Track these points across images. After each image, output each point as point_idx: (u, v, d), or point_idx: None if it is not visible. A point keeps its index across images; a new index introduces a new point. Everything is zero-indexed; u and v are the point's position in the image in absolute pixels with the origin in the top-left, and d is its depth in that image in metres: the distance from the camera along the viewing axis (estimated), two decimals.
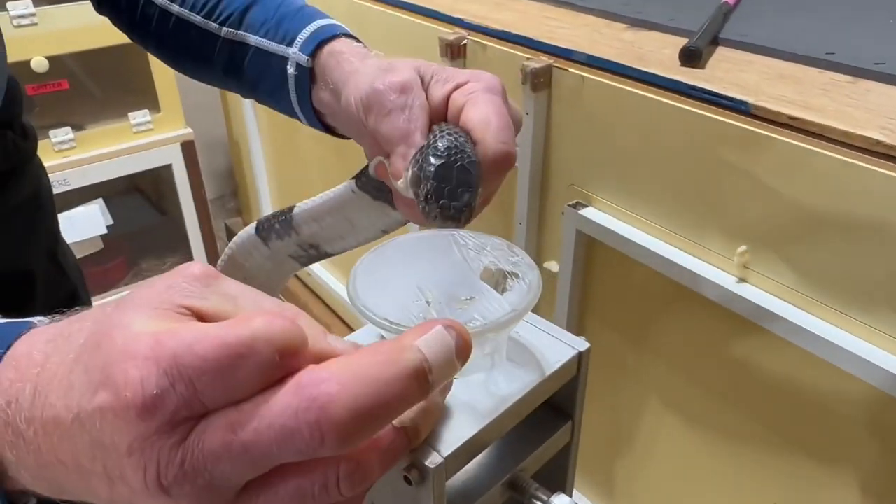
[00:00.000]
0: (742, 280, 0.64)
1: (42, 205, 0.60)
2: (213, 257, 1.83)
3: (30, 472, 0.23)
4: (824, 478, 0.64)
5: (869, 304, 0.55)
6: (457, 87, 0.38)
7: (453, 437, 0.26)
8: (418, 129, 0.37)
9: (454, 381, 0.25)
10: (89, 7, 0.56)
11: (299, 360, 0.22)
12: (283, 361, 0.21)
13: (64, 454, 0.22)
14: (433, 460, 0.25)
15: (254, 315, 0.21)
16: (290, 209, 0.47)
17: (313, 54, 0.45)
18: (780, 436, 0.67)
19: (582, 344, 0.31)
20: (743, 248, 0.62)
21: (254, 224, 0.50)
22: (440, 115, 0.39)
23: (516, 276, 0.29)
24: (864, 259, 0.54)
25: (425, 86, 0.39)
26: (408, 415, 0.23)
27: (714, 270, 0.65)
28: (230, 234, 1.96)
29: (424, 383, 0.21)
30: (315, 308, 1.53)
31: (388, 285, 0.28)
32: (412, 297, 0.28)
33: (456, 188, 0.33)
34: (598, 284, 0.81)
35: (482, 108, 0.36)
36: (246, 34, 0.48)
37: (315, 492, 0.21)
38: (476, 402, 0.28)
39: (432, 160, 0.34)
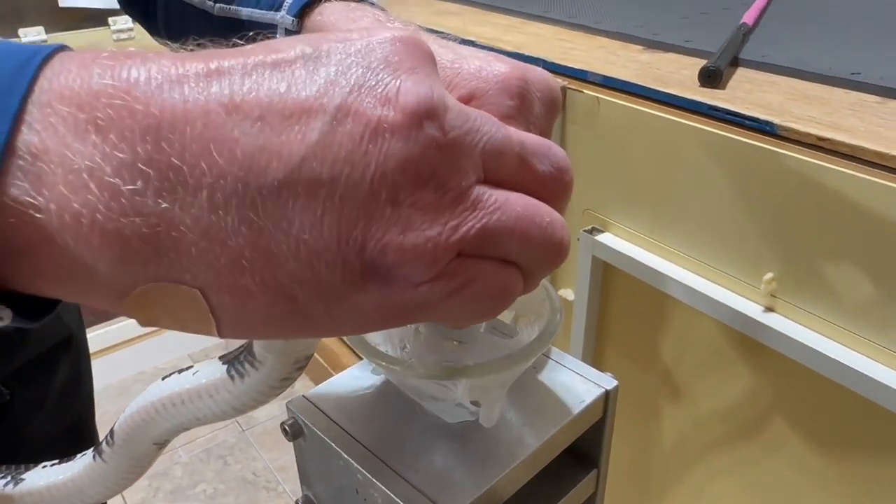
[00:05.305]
0: (769, 309, 0.60)
1: None
2: None
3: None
4: None
5: None
6: None
7: (461, 494, 0.23)
8: None
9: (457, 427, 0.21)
10: (101, 33, 0.55)
11: None
12: None
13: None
14: None
15: None
16: None
17: (300, 15, 0.40)
18: (821, 479, 0.63)
19: (609, 381, 0.27)
20: (769, 275, 0.59)
21: None
22: None
23: (533, 319, 0.26)
24: None
25: None
26: None
27: (739, 299, 0.62)
28: None
29: None
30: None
31: None
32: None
33: None
34: (615, 313, 0.78)
35: None
36: (238, 8, 0.44)
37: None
38: (487, 451, 0.25)
39: None
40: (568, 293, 0.80)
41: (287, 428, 0.26)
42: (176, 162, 0.17)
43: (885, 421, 0.55)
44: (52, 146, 0.17)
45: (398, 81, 0.18)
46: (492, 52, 0.25)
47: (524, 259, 0.20)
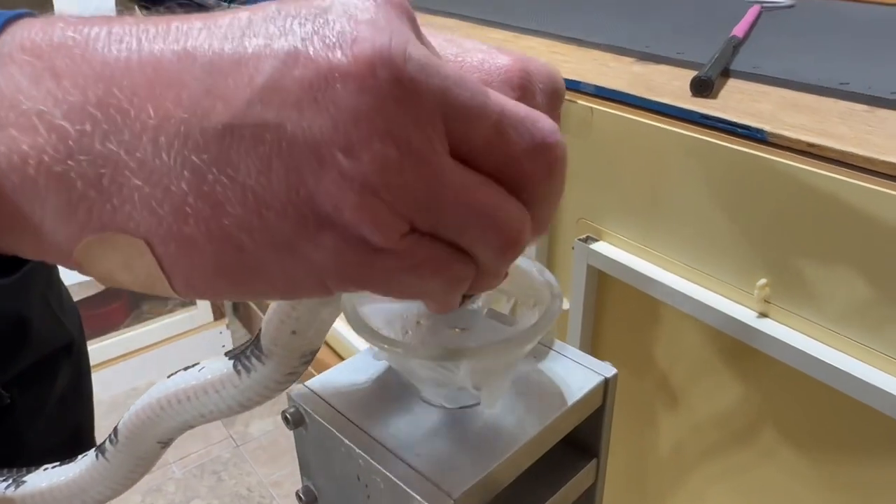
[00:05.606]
0: (763, 315, 0.61)
1: None
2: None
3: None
4: None
5: None
6: None
7: (464, 476, 0.23)
8: None
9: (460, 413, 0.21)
10: None
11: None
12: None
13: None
14: (441, 503, 0.22)
15: None
16: None
17: None
18: (817, 483, 0.63)
19: (608, 369, 0.28)
20: (763, 281, 0.60)
21: None
22: None
23: (533, 304, 0.26)
24: (894, 290, 0.52)
25: None
26: None
27: (733, 305, 0.63)
28: None
29: None
30: None
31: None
32: (405, 310, 0.25)
33: None
34: (610, 321, 0.78)
35: None
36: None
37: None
38: (489, 437, 0.25)
39: None
40: (563, 303, 0.81)
41: (288, 416, 0.26)
42: (125, 105, 0.17)
43: (878, 424, 0.55)
44: (7, 92, 0.17)
45: (355, 31, 0.17)
46: (495, 46, 0.25)
47: (476, 250, 0.19)
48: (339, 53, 0.17)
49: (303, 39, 0.17)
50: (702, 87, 0.65)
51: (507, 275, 0.22)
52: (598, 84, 0.71)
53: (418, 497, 0.22)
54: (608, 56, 0.82)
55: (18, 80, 0.17)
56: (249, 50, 0.17)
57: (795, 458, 0.63)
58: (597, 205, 0.74)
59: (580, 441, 0.29)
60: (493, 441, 0.25)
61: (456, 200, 0.18)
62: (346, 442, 0.24)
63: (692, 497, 0.75)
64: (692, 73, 0.67)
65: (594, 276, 0.76)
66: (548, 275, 0.28)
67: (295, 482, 1.39)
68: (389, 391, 0.28)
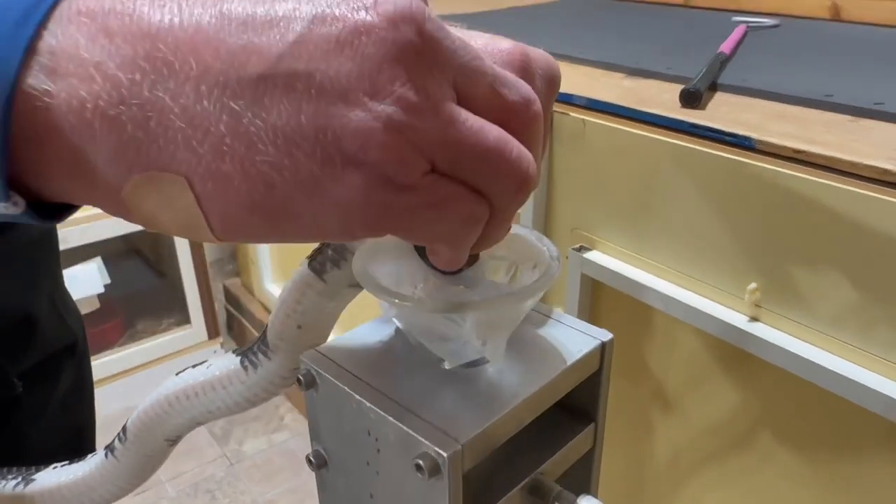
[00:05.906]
0: (754, 319, 0.62)
1: (51, 244, 0.58)
2: (211, 318, 1.81)
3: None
4: None
5: (893, 339, 0.54)
6: None
7: (470, 425, 0.24)
8: None
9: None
10: None
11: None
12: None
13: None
14: (449, 447, 0.23)
15: None
16: None
17: None
18: (813, 486, 0.64)
19: (604, 334, 0.29)
20: (753, 285, 0.61)
21: (305, 261, 0.46)
22: None
23: (532, 267, 0.28)
24: (882, 291, 0.53)
25: None
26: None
27: (725, 310, 0.64)
28: (229, 294, 1.95)
29: None
30: None
31: (392, 253, 0.27)
32: (412, 271, 0.27)
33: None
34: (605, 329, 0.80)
35: None
36: None
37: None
38: (491, 393, 0.27)
39: None
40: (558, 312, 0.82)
41: (301, 378, 0.28)
42: (170, 58, 0.19)
43: (872, 424, 0.56)
44: (68, 47, 0.19)
45: None
46: (497, 35, 0.28)
47: (490, 188, 0.21)
48: (363, 13, 0.19)
49: (328, 4, 0.20)
50: (691, 99, 0.67)
51: (509, 229, 0.24)
52: (589, 97, 0.73)
53: (427, 443, 0.23)
54: (599, 72, 0.85)
55: (77, 38, 0.19)
56: (280, 13, 0.20)
57: (792, 461, 0.64)
58: (590, 215, 0.76)
59: (578, 406, 0.31)
60: (496, 396, 0.26)
61: (472, 140, 0.20)
62: (357, 397, 0.25)
63: (690, 503, 0.76)
64: (681, 87, 0.69)
65: (588, 285, 0.77)
66: (546, 241, 0.29)
67: (290, 501, 1.38)
68: (398, 353, 0.29)
